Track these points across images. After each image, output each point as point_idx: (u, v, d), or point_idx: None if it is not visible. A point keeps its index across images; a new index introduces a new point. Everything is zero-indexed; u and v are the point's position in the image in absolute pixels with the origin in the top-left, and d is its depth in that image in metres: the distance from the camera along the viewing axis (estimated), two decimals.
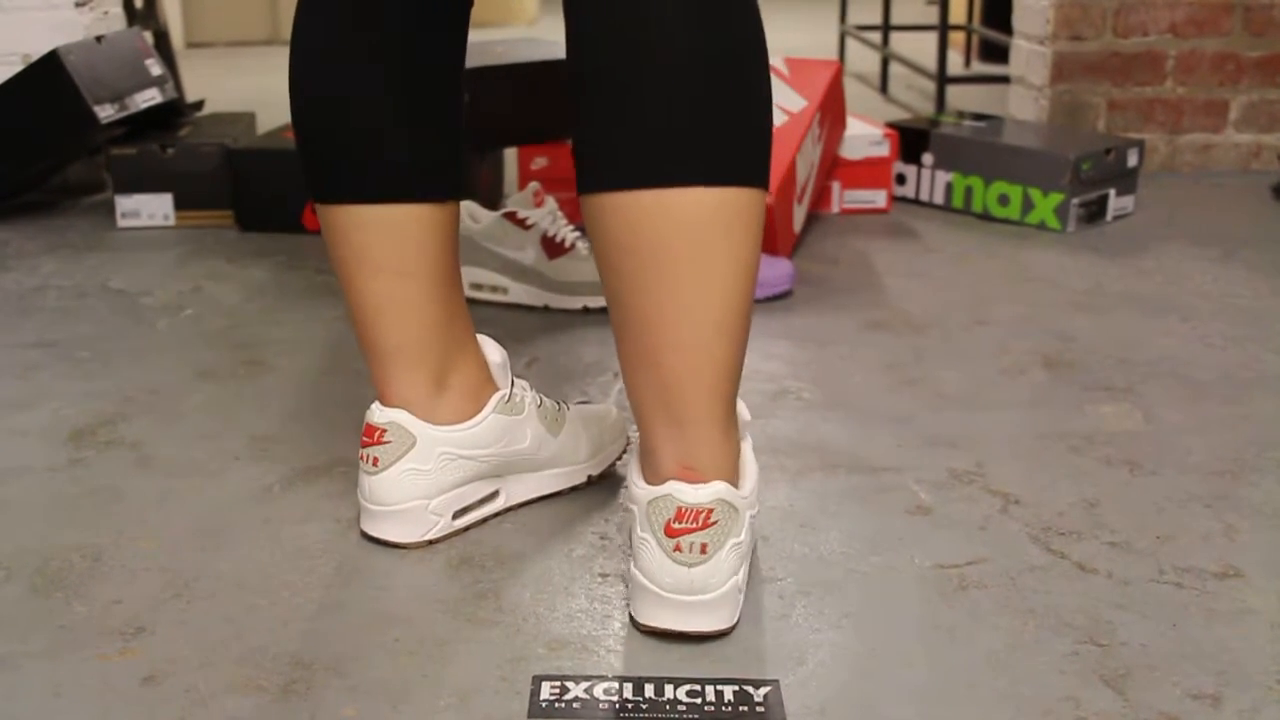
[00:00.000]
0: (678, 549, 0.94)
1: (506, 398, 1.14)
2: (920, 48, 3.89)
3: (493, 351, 1.15)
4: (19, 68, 2.25)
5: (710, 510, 0.94)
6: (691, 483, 0.95)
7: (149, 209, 2.21)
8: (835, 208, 2.27)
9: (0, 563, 1.10)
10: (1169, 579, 1.07)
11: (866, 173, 2.25)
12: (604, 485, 1.24)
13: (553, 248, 1.73)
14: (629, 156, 0.91)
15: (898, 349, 1.61)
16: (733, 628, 0.98)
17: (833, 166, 2.24)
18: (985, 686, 0.93)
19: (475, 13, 1.08)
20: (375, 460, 1.09)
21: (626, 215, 0.91)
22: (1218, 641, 0.98)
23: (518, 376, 1.26)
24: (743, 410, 1.04)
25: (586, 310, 1.74)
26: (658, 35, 0.89)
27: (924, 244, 2.09)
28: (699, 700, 0.90)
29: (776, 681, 0.93)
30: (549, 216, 1.75)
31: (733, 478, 0.98)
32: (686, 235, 0.90)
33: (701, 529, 0.94)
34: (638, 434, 1.00)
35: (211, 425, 1.39)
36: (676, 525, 0.94)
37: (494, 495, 1.17)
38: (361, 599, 1.04)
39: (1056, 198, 2.14)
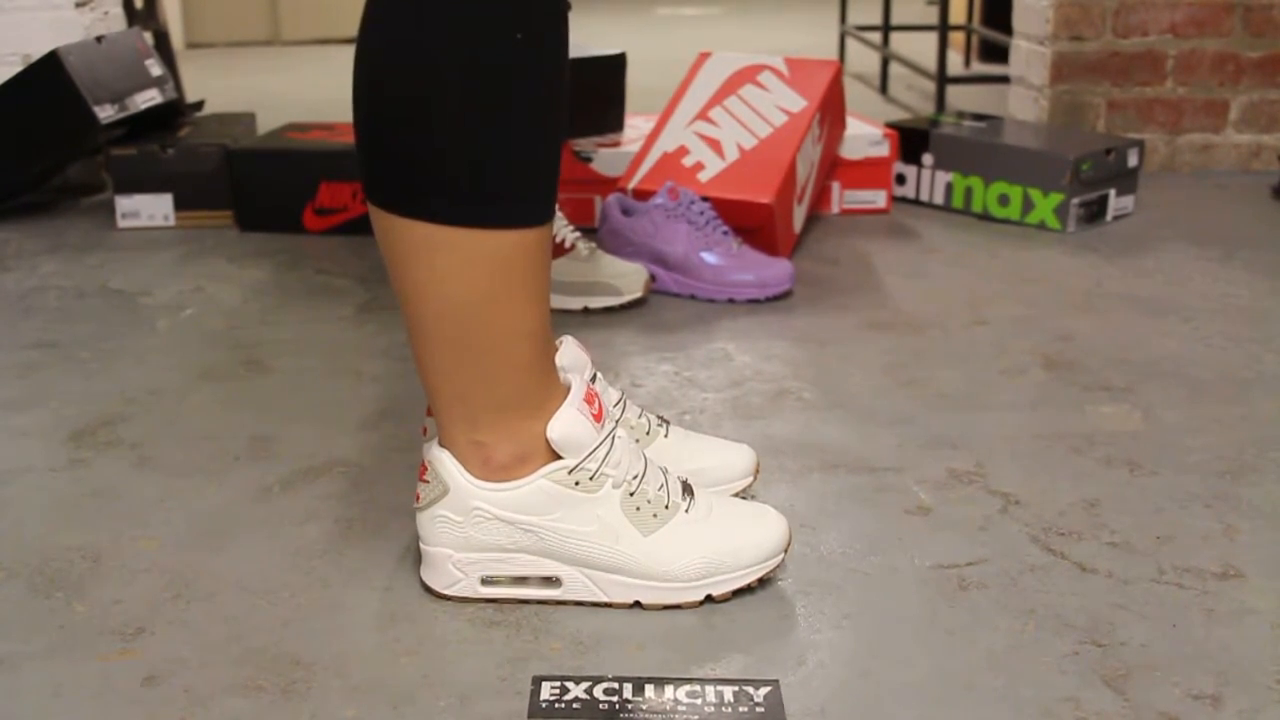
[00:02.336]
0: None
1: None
2: (920, 48, 3.89)
3: (568, 424, 0.99)
4: (19, 68, 2.25)
5: (425, 466, 1.02)
6: (428, 439, 1.05)
7: (149, 209, 2.21)
8: (835, 208, 2.27)
9: (0, 563, 1.10)
10: (1169, 579, 1.07)
11: (866, 173, 2.25)
12: None
13: (552, 248, 1.73)
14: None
15: (898, 349, 1.61)
16: (440, 593, 1.04)
17: (833, 167, 2.24)
18: (985, 687, 0.93)
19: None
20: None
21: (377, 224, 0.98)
22: (1218, 642, 0.98)
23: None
24: (565, 435, 0.99)
25: (587, 311, 1.74)
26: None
27: (924, 244, 2.09)
28: (699, 700, 0.91)
29: (776, 682, 0.93)
30: None
31: (474, 464, 1.01)
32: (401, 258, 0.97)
33: (420, 479, 1.04)
34: None
35: (211, 426, 1.39)
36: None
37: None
38: (361, 599, 1.04)
39: (1056, 198, 2.14)
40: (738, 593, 1.04)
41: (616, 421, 1.08)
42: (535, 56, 0.92)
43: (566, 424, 0.99)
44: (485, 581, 1.03)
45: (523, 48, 0.91)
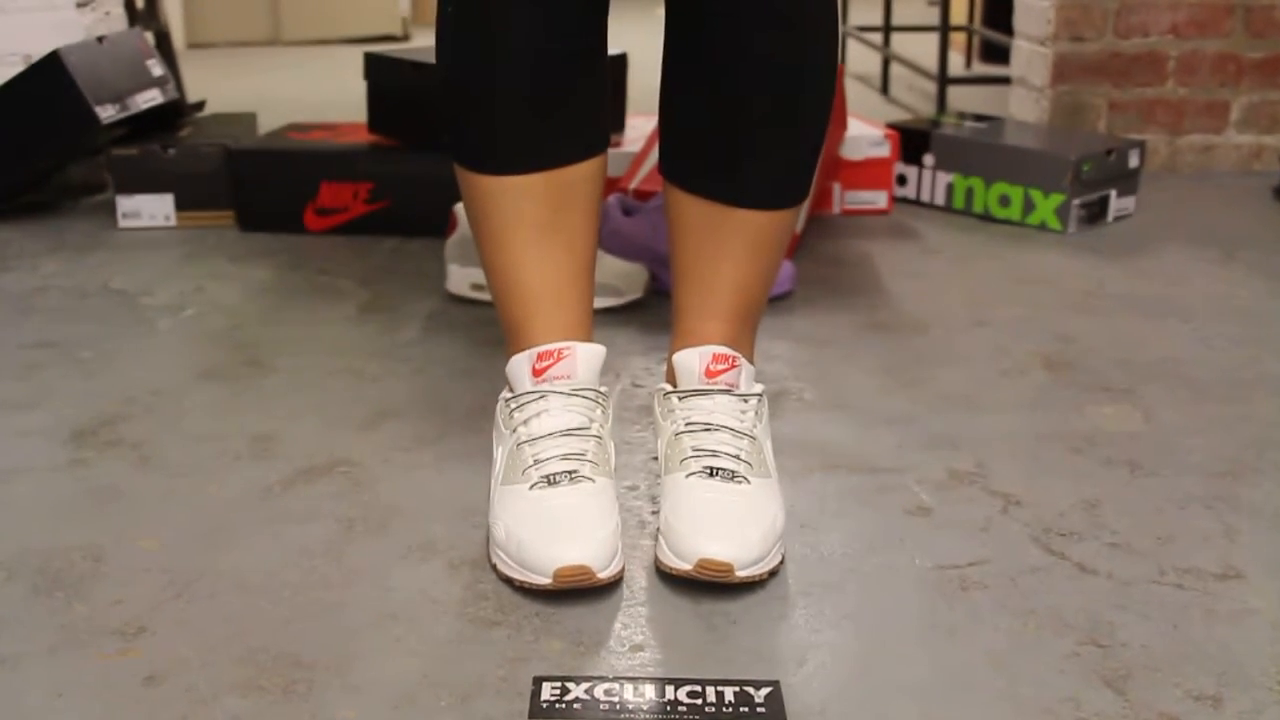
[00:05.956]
0: None
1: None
2: (921, 49, 3.88)
3: (509, 366, 1.16)
4: (20, 68, 2.25)
5: None
6: None
7: (150, 209, 2.21)
8: (836, 209, 2.27)
9: (2, 563, 1.10)
10: (1169, 580, 1.07)
11: (867, 174, 2.25)
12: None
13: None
14: None
15: (898, 350, 1.61)
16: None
17: (833, 167, 2.24)
18: (985, 687, 0.93)
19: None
20: None
21: None
22: (1218, 642, 0.98)
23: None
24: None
25: None
26: None
27: (925, 245, 2.09)
28: (700, 701, 0.90)
29: (777, 682, 0.93)
30: None
31: None
32: None
33: None
34: None
35: (213, 425, 1.39)
36: None
37: None
38: (362, 599, 1.04)
39: (1057, 199, 2.14)
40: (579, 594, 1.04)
41: (575, 393, 1.13)
42: (441, 39, 1.16)
43: (509, 365, 1.16)
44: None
45: (443, 19, 1.14)
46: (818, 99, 1.16)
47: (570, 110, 1.15)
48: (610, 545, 1.04)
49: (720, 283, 1.18)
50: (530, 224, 1.15)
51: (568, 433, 1.10)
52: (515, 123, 1.14)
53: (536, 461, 1.09)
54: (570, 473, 1.08)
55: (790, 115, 1.15)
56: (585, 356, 1.13)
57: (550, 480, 1.08)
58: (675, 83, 1.17)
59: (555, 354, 1.13)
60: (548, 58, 1.13)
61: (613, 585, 1.05)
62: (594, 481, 1.08)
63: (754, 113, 1.14)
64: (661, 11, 1.16)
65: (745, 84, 1.13)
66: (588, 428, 1.11)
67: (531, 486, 1.08)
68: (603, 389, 1.15)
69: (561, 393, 1.12)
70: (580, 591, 1.04)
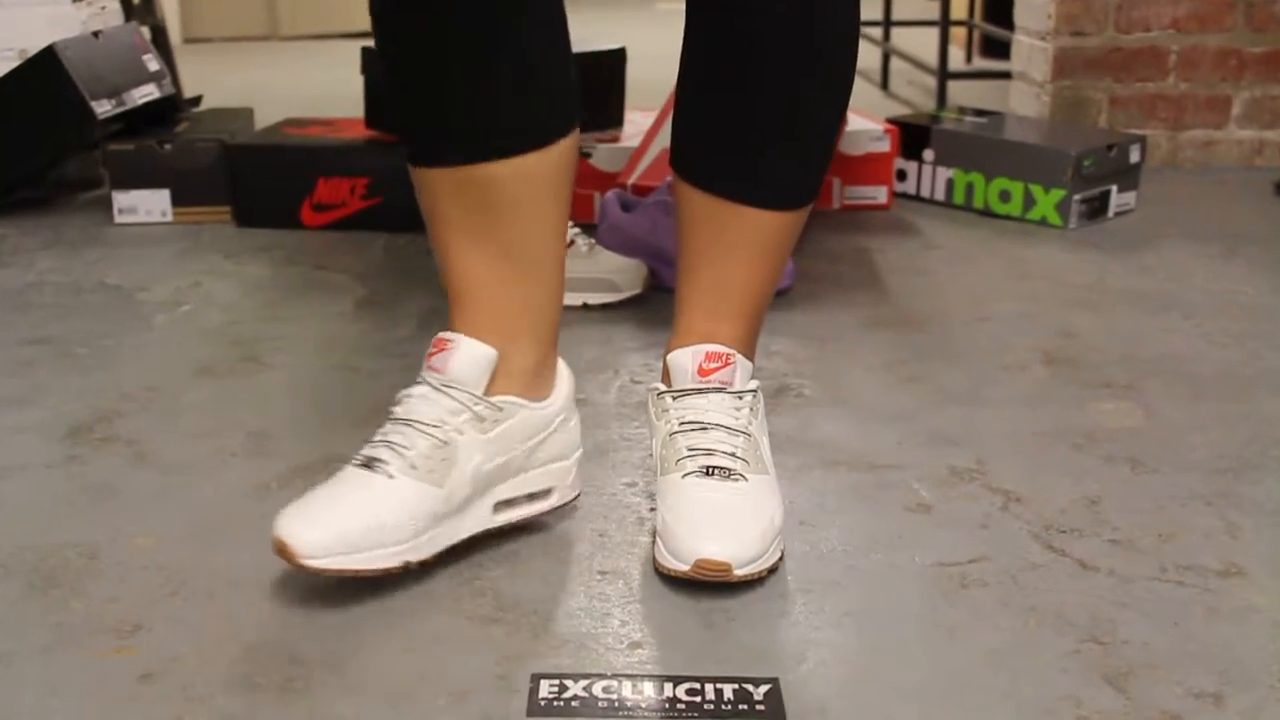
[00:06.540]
0: None
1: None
2: (921, 43, 3.88)
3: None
4: (16, 63, 2.25)
5: None
6: None
7: (146, 205, 2.20)
8: (836, 204, 2.27)
9: None
10: (1171, 577, 1.07)
11: (867, 169, 2.25)
12: (603, 494, 1.23)
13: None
14: None
15: (898, 346, 1.61)
16: None
17: (833, 163, 2.23)
18: (986, 685, 0.92)
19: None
20: None
21: None
22: (1220, 640, 0.98)
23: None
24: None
25: (586, 307, 1.73)
26: None
27: (925, 240, 2.09)
28: (699, 699, 0.90)
29: (777, 680, 0.92)
30: None
31: None
32: None
33: None
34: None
35: (209, 422, 1.38)
36: None
37: None
38: (359, 597, 1.04)
39: (1058, 194, 2.14)
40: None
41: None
42: (376, 27, 1.08)
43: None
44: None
45: (373, 21, 1.08)
46: (835, 101, 1.15)
47: (470, 103, 1.06)
48: (374, 537, 1.02)
49: (725, 281, 1.17)
50: (444, 220, 1.09)
51: (406, 421, 1.07)
52: (409, 113, 1.09)
53: (366, 442, 1.08)
54: (370, 459, 1.05)
55: (807, 117, 1.14)
56: (466, 355, 1.07)
57: (364, 463, 1.06)
58: (692, 79, 1.16)
59: (441, 344, 1.09)
60: (431, 42, 1.04)
61: (609, 579, 1.05)
62: (392, 479, 1.04)
63: (770, 113, 1.13)
64: (663, 6, 1.15)
65: (763, 83, 1.12)
66: (441, 425, 1.06)
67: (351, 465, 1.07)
68: (488, 396, 1.07)
69: (430, 384, 1.08)
70: (579, 589, 1.03)
